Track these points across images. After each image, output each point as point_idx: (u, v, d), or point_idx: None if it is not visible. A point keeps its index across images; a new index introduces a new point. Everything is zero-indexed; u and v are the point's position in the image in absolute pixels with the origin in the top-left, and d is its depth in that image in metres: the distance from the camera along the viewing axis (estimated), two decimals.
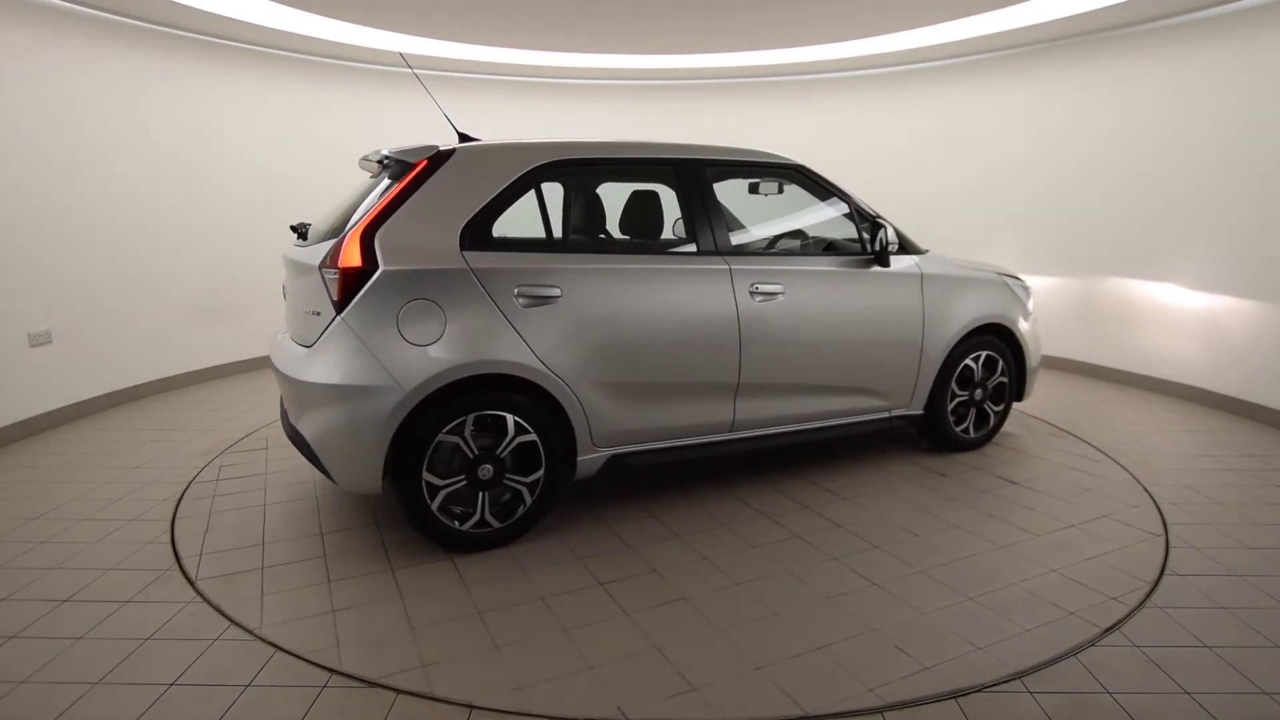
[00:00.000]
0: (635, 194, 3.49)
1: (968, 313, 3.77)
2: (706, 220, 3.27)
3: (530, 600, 2.58)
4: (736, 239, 3.50)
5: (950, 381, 3.82)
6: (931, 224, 6.35)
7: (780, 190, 3.64)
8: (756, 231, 3.98)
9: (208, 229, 5.72)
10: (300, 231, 3.35)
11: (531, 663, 2.22)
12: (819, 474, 3.74)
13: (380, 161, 3.05)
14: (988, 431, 4.08)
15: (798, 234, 3.99)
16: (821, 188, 3.61)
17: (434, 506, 2.79)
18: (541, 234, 3.57)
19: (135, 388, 5.25)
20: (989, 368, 3.94)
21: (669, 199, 3.45)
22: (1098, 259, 5.68)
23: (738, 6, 5.03)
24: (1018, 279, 4.14)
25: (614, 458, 3.09)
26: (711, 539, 3.04)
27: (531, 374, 2.82)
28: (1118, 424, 4.58)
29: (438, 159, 2.86)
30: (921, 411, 3.81)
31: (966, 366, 3.86)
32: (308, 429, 2.78)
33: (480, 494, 2.85)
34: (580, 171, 3.53)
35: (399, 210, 2.77)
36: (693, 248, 3.24)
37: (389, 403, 2.63)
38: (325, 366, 2.70)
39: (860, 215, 3.58)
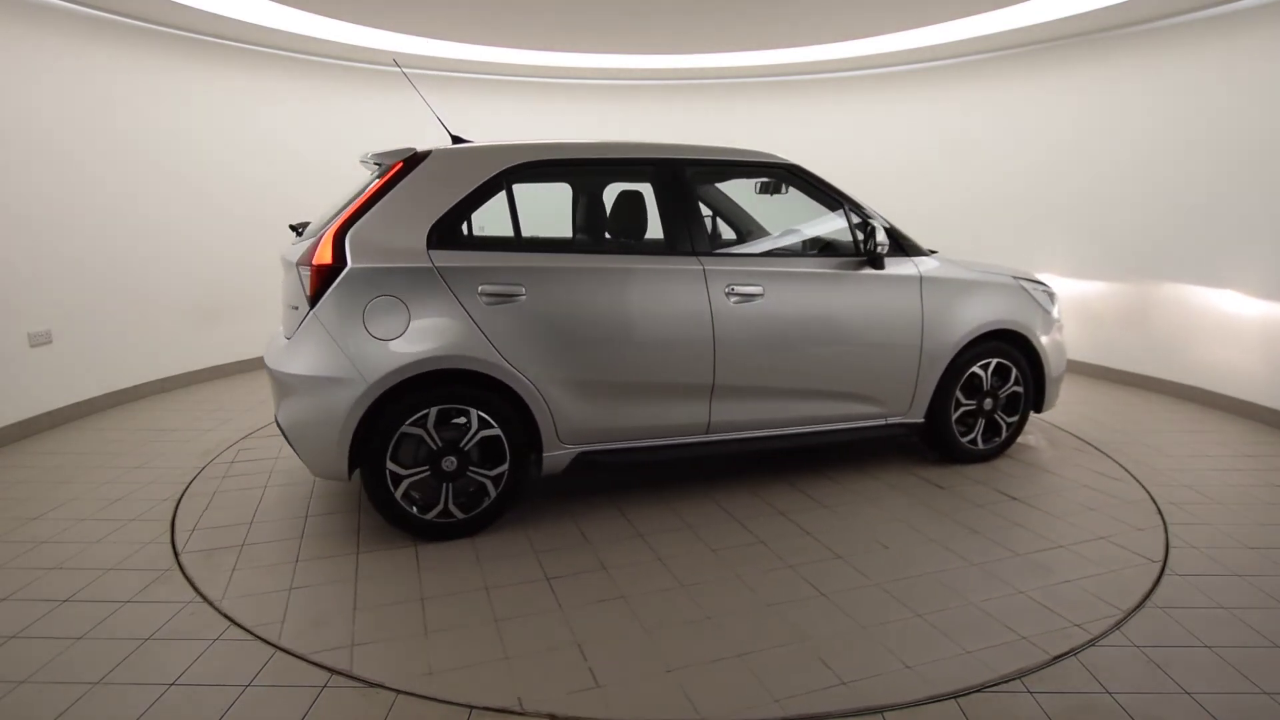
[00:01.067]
0: (622, 194, 3.48)
1: (974, 318, 3.58)
2: (683, 220, 3.25)
3: (475, 590, 2.65)
4: (718, 239, 3.46)
5: (955, 389, 3.63)
6: (932, 224, 6.36)
7: (778, 190, 3.58)
8: (743, 232, 3.96)
9: (208, 229, 5.72)
10: (298, 230, 3.41)
11: (452, 649, 2.29)
12: (807, 480, 3.65)
13: (377, 162, 3.17)
14: (999, 443, 3.86)
15: (787, 235, 3.87)
16: (815, 188, 3.51)
17: (398, 495, 2.90)
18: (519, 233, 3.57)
19: (135, 388, 5.25)
20: (1001, 376, 3.73)
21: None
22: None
23: (738, 7, 5.03)
24: (1040, 284, 3.92)
25: (582, 455, 3.13)
26: (673, 540, 3.03)
27: (493, 370, 2.89)
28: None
29: (413, 161, 2.98)
30: (922, 420, 3.64)
31: (974, 374, 3.66)
32: (283, 416, 2.94)
33: (444, 485, 2.95)
34: (555, 173, 3.48)
35: (371, 210, 2.89)
36: (667, 247, 3.24)
37: (353, 394, 2.75)
38: (297, 358, 2.85)
39: (860, 218, 3.45)
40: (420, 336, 2.82)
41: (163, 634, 2.36)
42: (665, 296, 3.11)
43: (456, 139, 3.32)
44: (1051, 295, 3.94)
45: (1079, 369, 5.82)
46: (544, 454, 3.06)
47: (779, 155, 3.51)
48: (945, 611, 2.48)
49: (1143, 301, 5.39)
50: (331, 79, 6.41)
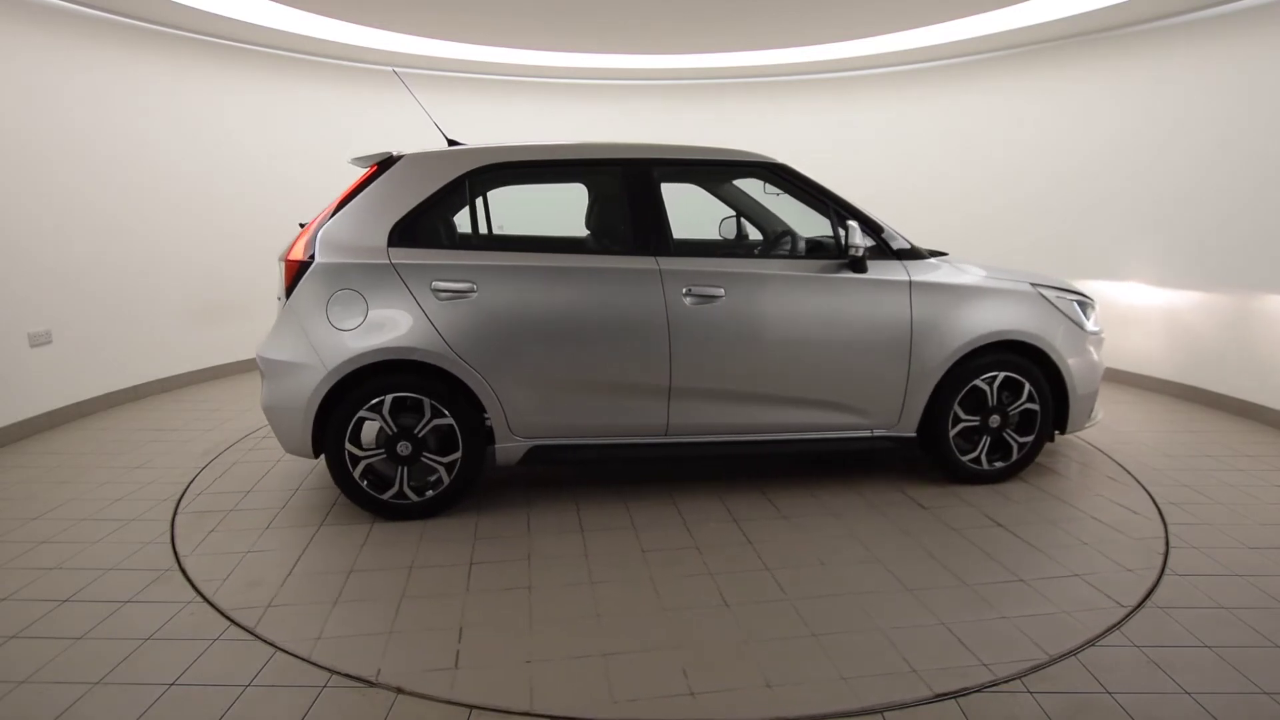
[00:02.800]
0: (598, 195, 3.47)
1: (975, 327, 3.31)
2: (644, 220, 3.24)
3: (400, 567, 2.80)
4: (681, 240, 3.41)
5: (953, 403, 3.38)
6: (935, 225, 6.36)
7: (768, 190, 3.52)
8: (713, 233, 3.95)
9: (208, 229, 5.72)
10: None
11: (347, 620, 2.44)
12: (781, 489, 3.52)
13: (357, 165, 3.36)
14: (1009, 465, 3.53)
15: (767, 236, 3.84)
16: (799, 189, 3.37)
17: (356, 474, 3.12)
18: (494, 232, 3.66)
19: (135, 388, 5.25)
20: (1013, 391, 3.43)
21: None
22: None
23: (738, 7, 5.03)
24: (1069, 291, 3.58)
25: (535, 449, 3.21)
26: (609, 538, 3.04)
27: (442, 361, 3.04)
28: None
29: (386, 164, 3.19)
30: (914, 434, 3.41)
31: (976, 388, 3.39)
32: (262, 397, 3.19)
33: (400, 468, 3.14)
34: (519, 175, 3.46)
35: (342, 210, 3.13)
36: (625, 247, 3.25)
37: (314, 379, 3.01)
38: (273, 345, 3.14)
39: (839, 218, 3.30)
40: (376, 328, 3.02)
41: (163, 634, 2.36)
42: (618, 296, 3.13)
43: (452, 142, 3.45)
44: (1085, 304, 3.61)
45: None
46: (497, 445, 3.19)
47: (761, 154, 3.39)
48: (840, 634, 2.35)
49: (1145, 304, 5.39)
50: (332, 79, 6.41)
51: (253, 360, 6.12)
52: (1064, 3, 4.89)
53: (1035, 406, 3.45)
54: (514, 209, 4.22)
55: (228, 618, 2.46)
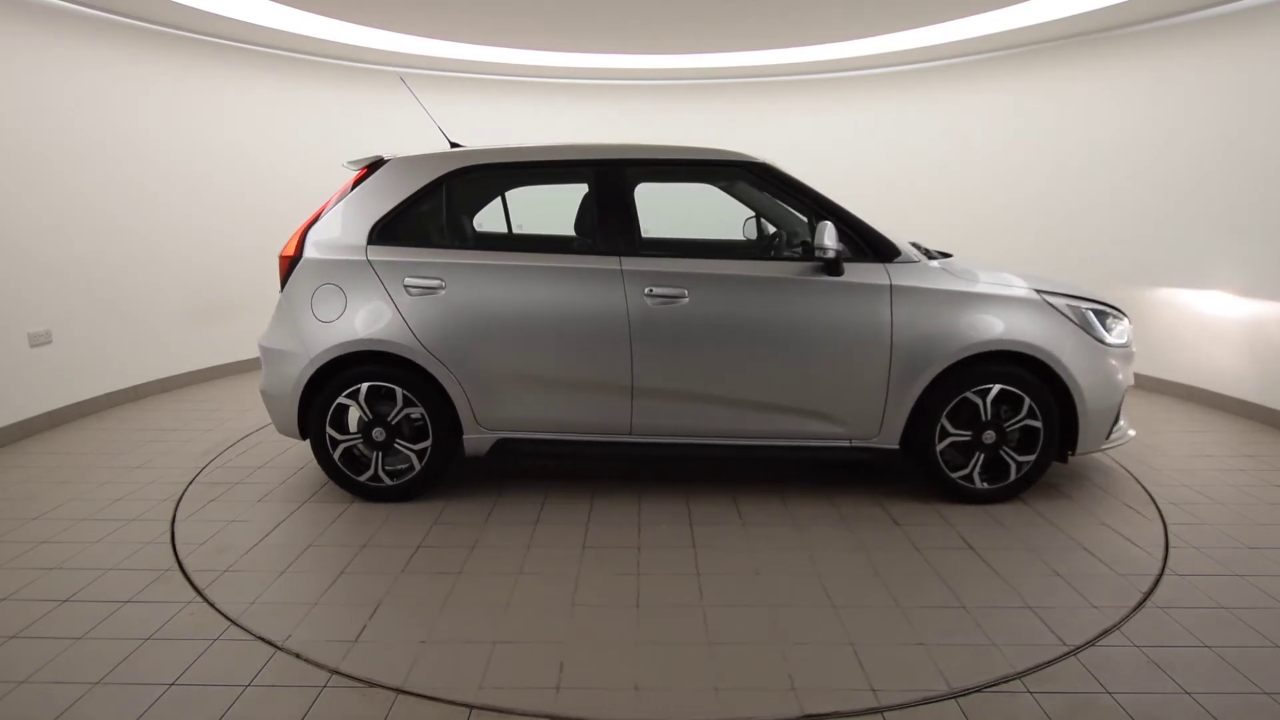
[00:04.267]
0: (588, 195, 3.49)
1: (964, 334, 3.11)
2: (611, 219, 3.26)
3: (353, 545, 2.98)
4: (654, 239, 3.39)
5: (940, 416, 3.19)
6: (937, 225, 6.36)
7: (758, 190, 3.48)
8: (685, 234, 3.95)
9: (208, 229, 5.72)
10: None
11: (283, 588, 2.65)
12: (754, 495, 3.45)
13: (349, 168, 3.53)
14: (1006, 485, 3.28)
15: (770, 237, 3.80)
16: (781, 189, 3.30)
17: (335, 456, 3.33)
18: (474, 231, 3.72)
19: (135, 388, 5.25)
20: (1013, 406, 3.20)
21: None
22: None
23: (738, 7, 5.03)
24: (1088, 300, 3.30)
25: (501, 441, 3.32)
26: (558, 533, 3.09)
27: (411, 354, 3.20)
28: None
29: (374, 167, 3.37)
30: (896, 446, 3.25)
31: (968, 401, 3.20)
32: (260, 382, 3.44)
33: (374, 453, 3.33)
34: (494, 176, 3.54)
35: (331, 210, 3.36)
36: (589, 247, 3.28)
37: (298, 366, 3.24)
38: (268, 333, 3.40)
39: (818, 219, 3.20)
40: (353, 321, 3.22)
41: (163, 634, 2.36)
42: (580, 295, 3.17)
43: (454, 144, 3.58)
44: (1105, 314, 3.32)
45: None
46: (465, 436, 3.32)
47: (743, 153, 3.32)
48: (739, 645, 2.30)
49: (1144, 305, 5.39)
50: (332, 79, 6.41)
51: (253, 360, 6.17)
52: (1064, 3, 4.89)
53: (1037, 424, 3.20)
54: (534, 209, 4.25)
55: (228, 618, 2.46)
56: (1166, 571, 2.74)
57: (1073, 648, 2.27)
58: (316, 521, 3.20)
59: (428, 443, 3.31)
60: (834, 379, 3.18)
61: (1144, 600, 2.54)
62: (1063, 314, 3.22)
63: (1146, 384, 5.42)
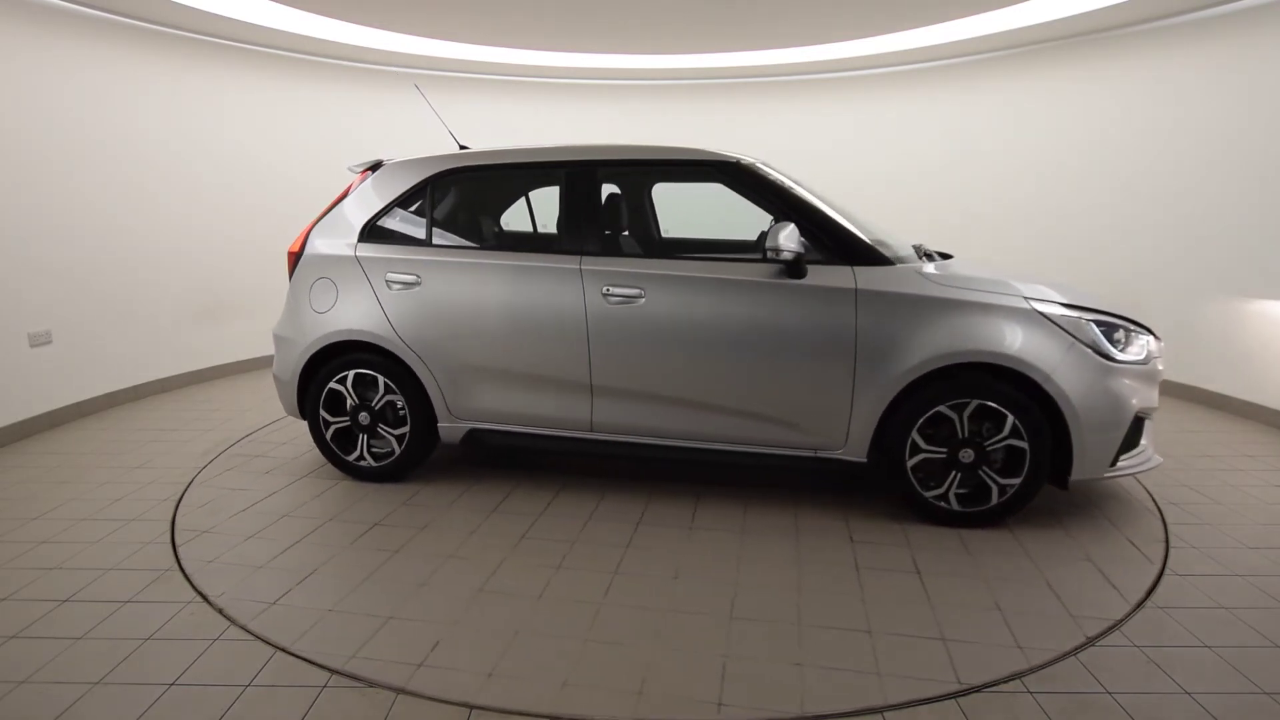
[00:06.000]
0: (560, 196, 3.51)
1: (935, 343, 2.89)
2: (576, 220, 3.32)
3: (320, 519, 3.23)
4: (622, 238, 3.40)
5: (911, 430, 2.99)
6: (934, 222, 6.36)
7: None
8: (657, 234, 3.99)
9: (208, 229, 5.72)
10: None
11: (243, 553, 2.89)
12: (716, 499, 3.39)
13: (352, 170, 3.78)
14: (988, 509, 3.02)
15: (733, 237, 3.79)
16: (757, 190, 3.18)
17: (327, 437, 3.60)
18: (457, 230, 3.79)
19: (135, 388, 5.25)
20: (998, 423, 2.93)
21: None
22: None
23: (738, 7, 5.03)
24: (1092, 310, 2.98)
25: (472, 431, 3.47)
26: (507, 522, 3.18)
27: (389, 345, 3.42)
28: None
29: (373, 169, 3.62)
30: (864, 460, 3.08)
31: (941, 415, 2.97)
32: (273, 367, 3.73)
33: (360, 435, 3.58)
34: (475, 177, 3.60)
35: (333, 209, 3.63)
36: (554, 246, 3.35)
37: (297, 352, 3.56)
38: (279, 322, 3.71)
39: (785, 219, 3.06)
40: (342, 312, 3.48)
41: (163, 634, 2.36)
42: (541, 293, 3.25)
43: (463, 147, 3.75)
44: (1114, 327, 2.99)
45: None
46: (439, 424, 3.49)
47: (718, 152, 3.24)
48: (612, 644, 2.30)
49: (1143, 305, 5.39)
50: (332, 79, 6.41)
51: (252, 360, 6.19)
52: (1065, 3, 4.89)
53: (1022, 444, 2.92)
54: (541, 208, 4.25)
55: (228, 618, 2.46)
56: (1166, 571, 2.74)
57: (1031, 668, 2.26)
58: (302, 494, 3.49)
59: (406, 429, 3.50)
60: (795, 385, 3.06)
61: (1144, 600, 2.54)
62: (1056, 325, 2.90)
63: None
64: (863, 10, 5.20)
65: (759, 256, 3.06)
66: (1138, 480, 3.62)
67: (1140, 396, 2.97)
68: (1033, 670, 2.16)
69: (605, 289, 3.17)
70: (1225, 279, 4.83)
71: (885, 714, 1.98)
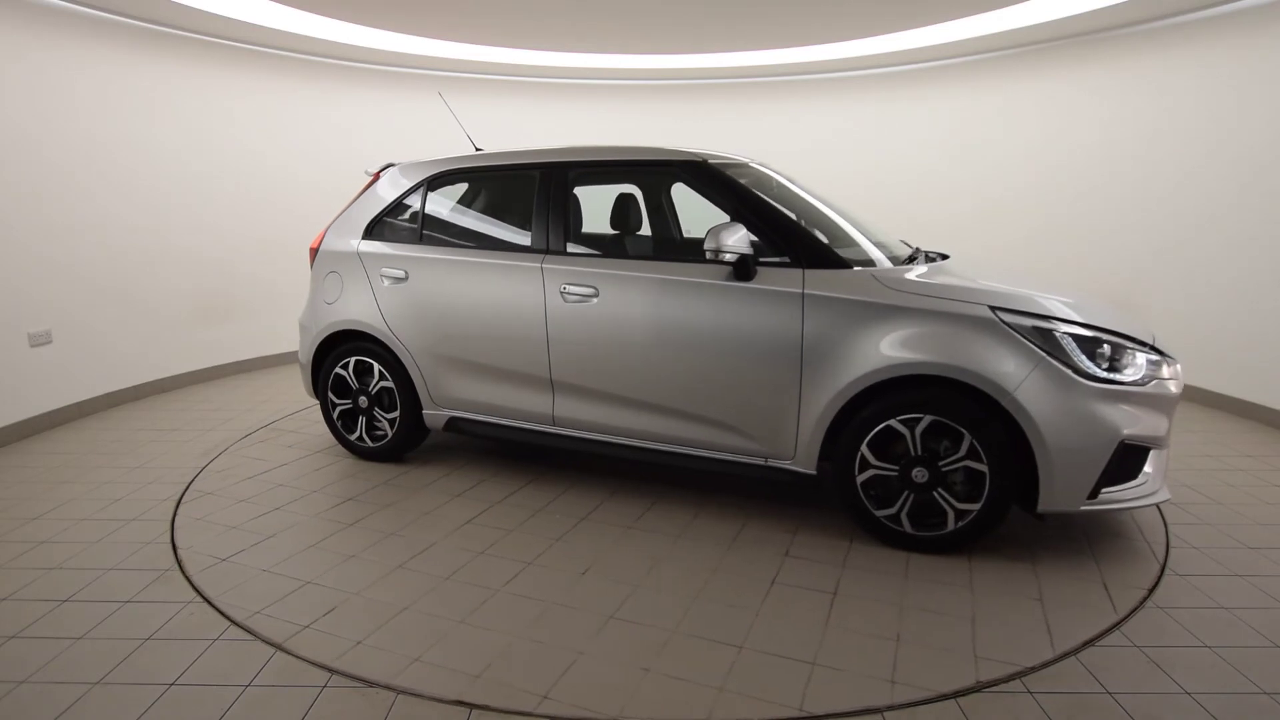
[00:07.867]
0: (534, 196, 3.55)
1: (883, 354, 2.71)
2: (542, 220, 3.44)
3: (307, 491, 3.55)
4: (577, 240, 3.42)
5: (860, 444, 2.81)
6: (933, 222, 6.36)
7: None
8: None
9: (208, 229, 5.72)
10: None
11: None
12: (673, 500, 3.38)
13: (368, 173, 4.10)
14: (946, 534, 2.78)
15: (691, 239, 3.84)
16: (711, 188, 3.14)
17: (334, 416, 3.97)
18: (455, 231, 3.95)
19: (135, 388, 5.25)
20: (953, 441, 2.70)
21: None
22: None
23: (737, 7, 5.03)
24: (1070, 323, 2.66)
25: (451, 419, 3.68)
26: (461, 507, 3.35)
27: (379, 335, 3.72)
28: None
29: (383, 173, 3.93)
30: (813, 472, 2.94)
31: (891, 430, 2.77)
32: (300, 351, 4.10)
33: (360, 417, 3.90)
34: (465, 180, 3.81)
35: (347, 209, 3.97)
36: (522, 245, 3.47)
37: (310, 338, 3.96)
38: (302, 311, 4.09)
39: (739, 218, 3.00)
40: (345, 304, 3.81)
41: (163, 634, 2.36)
42: (506, 291, 3.42)
43: (478, 149, 4.02)
44: (1097, 342, 2.66)
45: None
46: (424, 411, 3.74)
47: (682, 150, 3.25)
48: (485, 630, 2.37)
49: (1141, 305, 5.39)
50: (332, 79, 6.40)
51: (252, 360, 6.19)
52: (1063, 3, 4.89)
53: (981, 467, 2.68)
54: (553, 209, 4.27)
55: (228, 618, 2.46)
56: (1166, 571, 2.74)
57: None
58: (303, 468, 3.83)
59: (396, 413, 3.78)
60: (742, 390, 2.98)
61: (1144, 600, 2.54)
62: (1021, 338, 2.62)
63: None
64: (862, 10, 5.20)
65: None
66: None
67: (1132, 421, 2.63)
68: (1033, 670, 2.16)
69: (563, 287, 3.28)
70: (1224, 278, 4.83)
71: (885, 714, 1.98)
